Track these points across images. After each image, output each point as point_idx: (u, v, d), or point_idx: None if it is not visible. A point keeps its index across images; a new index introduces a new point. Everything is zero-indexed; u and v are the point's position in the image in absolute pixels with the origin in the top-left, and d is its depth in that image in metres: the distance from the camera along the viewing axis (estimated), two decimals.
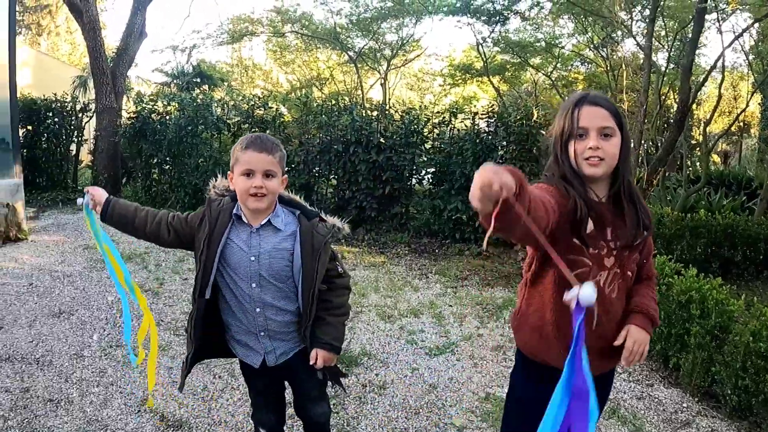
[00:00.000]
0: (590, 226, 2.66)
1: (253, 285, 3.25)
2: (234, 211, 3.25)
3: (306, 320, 3.33)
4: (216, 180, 3.46)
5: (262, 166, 3.12)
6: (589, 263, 2.66)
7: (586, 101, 2.71)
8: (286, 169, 3.35)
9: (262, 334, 3.34)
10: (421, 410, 5.17)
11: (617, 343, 2.77)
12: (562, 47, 25.88)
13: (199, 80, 32.65)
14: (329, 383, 3.62)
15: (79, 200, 3.35)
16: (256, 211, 3.21)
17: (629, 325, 2.80)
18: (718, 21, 17.26)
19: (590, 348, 2.55)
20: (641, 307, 2.86)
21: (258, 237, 3.25)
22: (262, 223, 3.25)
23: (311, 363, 3.32)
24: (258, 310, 3.28)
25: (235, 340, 3.43)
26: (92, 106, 16.57)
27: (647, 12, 16.74)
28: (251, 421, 3.78)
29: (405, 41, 29.96)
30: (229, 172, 3.29)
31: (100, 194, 3.28)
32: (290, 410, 4.94)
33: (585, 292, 2.18)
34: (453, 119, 12.78)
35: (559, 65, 26.84)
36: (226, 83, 36.81)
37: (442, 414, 5.13)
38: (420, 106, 13.75)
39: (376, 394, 5.42)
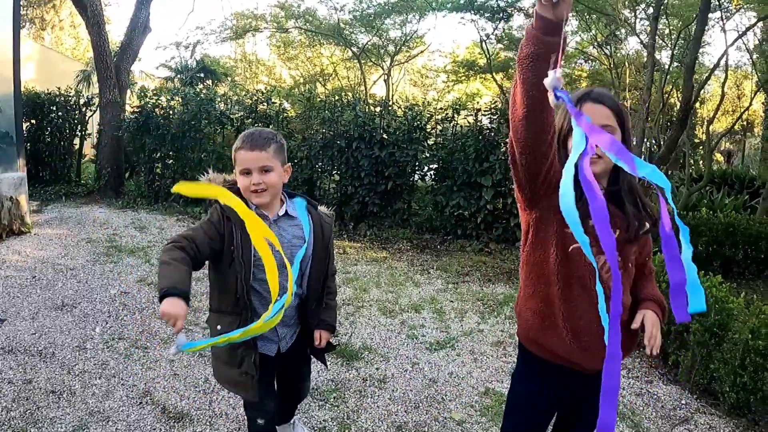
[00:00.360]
0: None
1: (278, 276, 3.25)
2: (250, 206, 3.28)
3: (312, 304, 3.53)
4: (208, 175, 3.45)
5: (256, 164, 3.20)
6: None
7: (589, 98, 2.69)
8: (285, 159, 3.42)
9: (279, 322, 3.36)
10: (420, 404, 5.20)
11: (635, 326, 2.73)
12: (567, 44, 25.93)
13: (202, 75, 32.70)
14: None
15: (173, 349, 2.66)
16: (261, 206, 3.29)
17: (644, 309, 2.79)
18: (722, 20, 17.29)
19: (594, 336, 2.62)
20: (653, 295, 2.87)
21: (277, 228, 3.34)
22: (280, 214, 3.37)
23: (316, 343, 3.59)
24: (278, 298, 3.26)
25: None
26: (96, 101, 16.58)
27: (651, 10, 16.76)
28: (246, 415, 3.76)
29: (408, 37, 30.05)
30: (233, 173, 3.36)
31: (178, 308, 2.73)
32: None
33: (548, 77, 2.18)
34: (456, 116, 12.79)
35: (562, 62, 26.84)
36: (229, 78, 36.89)
37: (441, 408, 5.15)
38: (423, 103, 13.76)
39: (377, 388, 5.45)
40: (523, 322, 2.90)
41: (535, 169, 2.51)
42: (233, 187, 3.33)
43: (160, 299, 2.73)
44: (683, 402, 5.57)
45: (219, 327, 3.32)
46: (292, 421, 4.21)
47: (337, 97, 14.44)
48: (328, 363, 5.76)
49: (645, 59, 18.08)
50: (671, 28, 20.52)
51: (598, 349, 2.56)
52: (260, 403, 3.52)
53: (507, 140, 10.75)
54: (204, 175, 3.45)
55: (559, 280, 2.68)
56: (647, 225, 2.72)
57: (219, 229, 3.19)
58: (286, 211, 3.40)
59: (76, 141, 16.96)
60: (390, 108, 13.35)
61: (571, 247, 2.62)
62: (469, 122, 12.57)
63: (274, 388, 3.71)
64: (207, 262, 3.34)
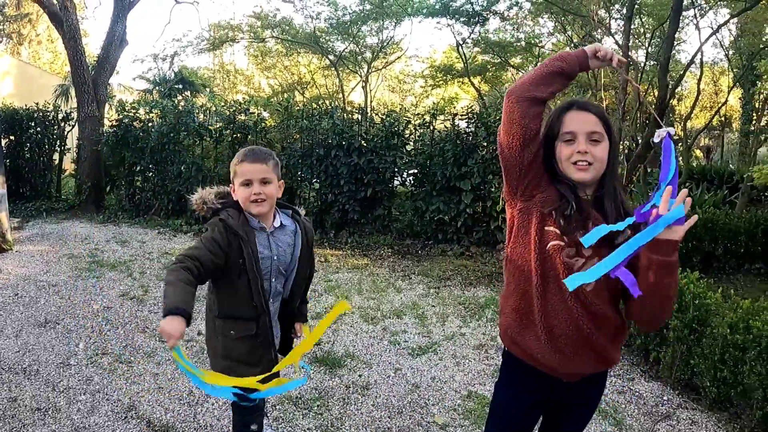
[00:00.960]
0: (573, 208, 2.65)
1: (273, 280, 3.62)
2: (250, 221, 3.50)
3: (296, 303, 3.80)
4: (200, 191, 3.59)
5: (258, 175, 3.42)
6: (564, 238, 2.63)
7: (574, 106, 2.73)
8: (280, 175, 3.63)
9: (274, 322, 3.68)
10: (404, 409, 5.23)
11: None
12: (542, 46, 26.03)
13: (181, 86, 32.63)
14: None
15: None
16: (260, 215, 3.50)
17: None
18: (696, 18, 17.39)
19: (569, 339, 2.68)
20: None
21: (274, 238, 3.61)
22: (276, 226, 3.63)
23: (299, 335, 3.88)
24: (271, 300, 3.64)
25: None
26: (74, 115, 16.51)
27: (626, 10, 16.87)
28: (239, 421, 3.81)
29: (385, 44, 30.04)
30: (230, 185, 3.56)
31: (176, 327, 2.86)
32: (274, 413, 5.04)
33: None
34: (433, 120, 12.81)
35: (539, 64, 26.93)
36: (208, 89, 36.82)
37: (424, 413, 5.19)
38: (400, 108, 13.79)
39: (360, 394, 5.48)
40: (504, 320, 2.91)
41: (524, 155, 2.62)
42: (228, 200, 3.57)
43: (164, 316, 2.86)
44: (665, 398, 5.62)
45: (233, 332, 3.53)
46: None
47: (315, 106, 14.45)
48: (311, 372, 5.81)
49: None
50: (646, 27, 20.62)
51: (574, 354, 2.71)
52: (256, 405, 3.71)
53: (485, 144, 10.75)
54: (194, 193, 3.64)
55: (537, 277, 2.68)
56: (627, 232, 2.59)
57: (223, 246, 3.35)
58: (281, 222, 3.63)
59: (56, 156, 16.89)
60: (368, 115, 13.37)
61: (549, 245, 2.63)
62: (446, 127, 12.60)
63: None
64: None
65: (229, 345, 3.56)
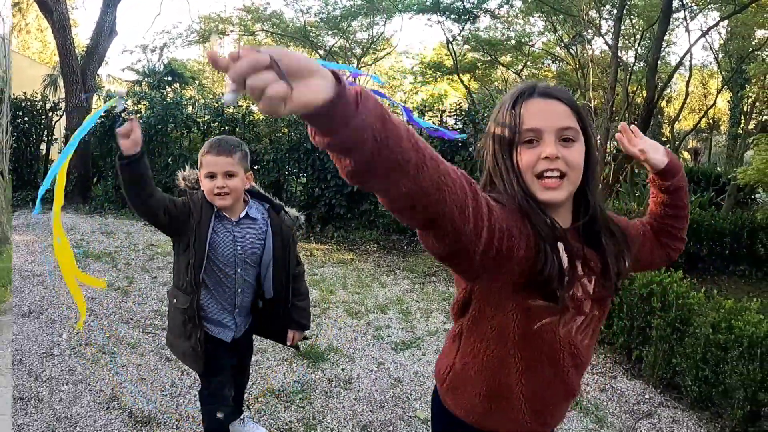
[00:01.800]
0: (564, 260, 1.81)
1: (238, 270, 3.59)
2: (214, 208, 3.49)
3: (281, 306, 3.76)
4: (185, 171, 3.65)
5: (221, 168, 3.40)
6: (558, 309, 1.82)
7: (535, 93, 1.90)
8: (248, 166, 3.60)
9: (237, 311, 3.70)
10: (386, 404, 5.24)
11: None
12: (533, 45, 26.04)
13: (170, 78, 32.53)
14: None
15: (120, 97, 3.23)
16: (223, 209, 3.49)
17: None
18: (686, 20, 17.43)
19: (557, 410, 2.18)
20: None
21: (240, 229, 3.58)
22: (241, 216, 3.58)
23: (288, 343, 3.87)
24: (239, 290, 3.64)
25: (207, 319, 3.61)
26: (62, 105, 16.47)
27: (616, 11, 16.91)
28: (203, 411, 3.80)
29: (375, 39, 29.99)
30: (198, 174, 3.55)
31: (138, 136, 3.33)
32: (257, 406, 5.04)
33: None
34: (422, 117, 12.80)
35: (529, 63, 26.95)
36: (197, 81, 36.73)
37: (406, 407, 5.20)
38: (389, 105, 13.78)
39: (342, 388, 5.49)
40: (463, 401, 2.18)
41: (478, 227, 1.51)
42: (197, 186, 3.59)
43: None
44: (647, 396, 5.65)
45: (175, 301, 3.58)
46: (242, 417, 4.32)
47: None
48: (294, 364, 5.82)
49: (610, 59, 18.22)
50: (636, 28, 20.67)
51: (557, 417, 2.22)
52: (220, 390, 3.67)
53: (472, 141, 10.65)
54: (182, 170, 3.76)
55: (519, 362, 1.99)
56: (627, 262, 2.05)
57: (178, 205, 3.43)
58: (247, 213, 3.58)
59: (43, 146, 16.83)
60: None
61: (538, 324, 1.86)
62: (434, 123, 12.61)
63: (230, 378, 3.80)
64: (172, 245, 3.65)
65: (170, 315, 3.67)
